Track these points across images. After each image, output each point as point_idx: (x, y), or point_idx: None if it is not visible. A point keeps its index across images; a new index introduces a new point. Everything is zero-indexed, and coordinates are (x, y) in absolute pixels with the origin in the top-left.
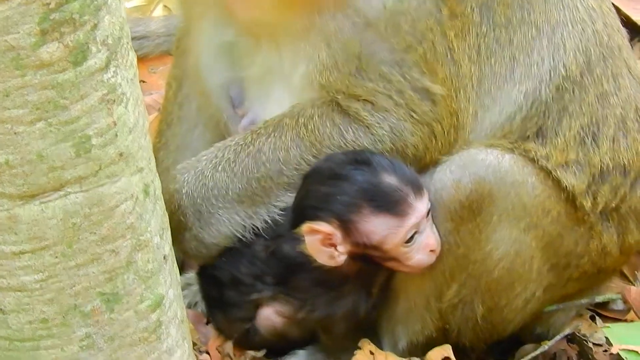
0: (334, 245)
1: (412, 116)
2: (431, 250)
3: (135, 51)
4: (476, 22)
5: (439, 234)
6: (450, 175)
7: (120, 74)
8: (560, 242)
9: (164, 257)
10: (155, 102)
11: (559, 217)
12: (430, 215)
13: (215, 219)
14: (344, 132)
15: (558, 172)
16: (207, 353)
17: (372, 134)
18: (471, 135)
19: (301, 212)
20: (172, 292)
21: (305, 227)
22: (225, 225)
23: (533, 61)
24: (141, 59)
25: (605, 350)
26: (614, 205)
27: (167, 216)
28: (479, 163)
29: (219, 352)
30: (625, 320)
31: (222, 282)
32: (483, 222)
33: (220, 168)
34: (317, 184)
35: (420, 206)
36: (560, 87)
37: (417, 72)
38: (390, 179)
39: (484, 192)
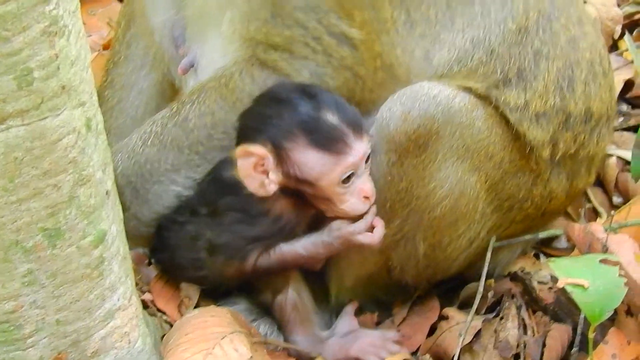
0: (265, 173)
1: (331, 62)
2: (365, 197)
3: None
4: None
5: (384, 165)
6: (400, 107)
7: (62, 6)
8: (503, 186)
9: (107, 193)
10: (94, 43)
11: (501, 163)
12: (369, 162)
13: (152, 194)
14: (264, 86)
15: (524, 125)
16: (149, 292)
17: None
18: (413, 74)
19: (240, 132)
20: (114, 227)
21: (240, 149)
22: (162, 198)
23: (476, 10)
24: (82, 1)
25: (550, 288)
26: (572, 151)
27: (109, 151)
28: (430, 99)
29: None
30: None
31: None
32: (428, 158)
33: (149, 143)
34: (260, 105)
35: (359, 147)
36: (521, 31)
37: (333, 17)
38: (331, 116)
39: (431, 129)
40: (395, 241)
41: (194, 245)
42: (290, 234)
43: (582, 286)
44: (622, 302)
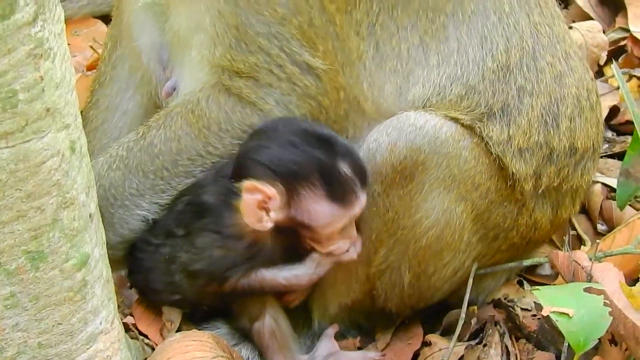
0: (267, 210)
1: (295, 90)
2: (352, 244)
3: None
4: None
5: (370, 195)
6: (386, 138)
7: (47, 28)
8: (489, 216)
9: (90, 216)
10: (78, 64)
11: (487, 193)
12: None
13: (118, 218)
14: (230, 113)
15: (507, 158)
16: (131, 315)
17: (259, 111)
18: (383, 109)
19: (246, 165)
20: (97, 251)
21: (249, 183)
22: (128, 222)
23: (451, 47)
24: (66, 22)
25: (534, 315)
26: (555, 184)
27: (93, 174)
28: (417, 130)
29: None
30: (553, 276)
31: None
32: (414, 189)
33: (114, 167)
34: (271, 142)
35: (363, 197)
36: (502, 69)
37: (295, 45)
38: (345, 166)
39: (417, 160)
40: (381, 270)
41: (169, 268)
42: (267, 260)
43: (566, 315)
44: (606, 331)
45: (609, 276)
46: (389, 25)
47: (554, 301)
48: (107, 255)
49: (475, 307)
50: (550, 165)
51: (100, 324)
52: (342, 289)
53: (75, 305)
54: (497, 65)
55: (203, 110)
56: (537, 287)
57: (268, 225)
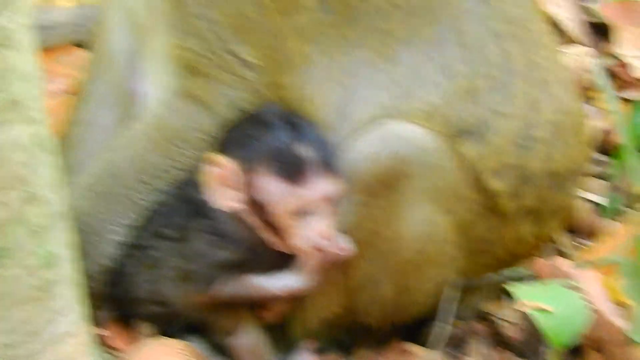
0: (229, 188)
1: (243, 84)
2: (321, 237)
3: (41, 41)
4: (309, 7)
5: (351, 205)
6: (370, 148)
7: (14, 19)
8: (473, 229)
9: (58, 214)
10: (59, 90)
11: (471, 205)
12: (336, 207)
13: (93, 247)
14: (190, 121)
15: (484, 173)
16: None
17: (213, 114)
18: (329, 118)
19: (220, 142)
20: (66, 252)
21: (214, 156)
22: (103, 249)
23: (403, 71)
24: (47, 50)
25: (516, 325)
26: (534, 206)
27: (63, 174)
28: (401, 140)
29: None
30: None
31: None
32: (397, 200)
33: (83, 195)
34: (245, 122)
35: (321, 186)
36: (465, 93)
37: (228, 34)
38: (303, 149)
39: (401, 170)
40: (362, 283)
41: (155, 273)
42: (259, 265)
43: (545, 311)
44: (589, 338)
45: (592, 281)
46: (336, 39)
47: (532, 298)
48: (76, 260)
49: (457, 321)
50: (529, 187)
51: (68, 325)
52: (322, 302)
53: (42, 306)
54: (461, 89)
55: (164, 122)
56: (513, 284)
57: (232, 204)
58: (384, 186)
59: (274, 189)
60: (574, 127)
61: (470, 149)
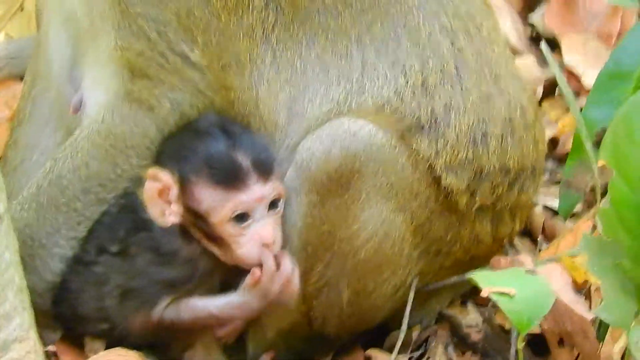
0: (169, 202)
1: (186, 86)
2: (265, 246)
3: None
4: (257, 6)
5: (305, 206)
6: (320, 145)
7: None
8: (430, 227)
9: None
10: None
11: (427, 202)
12: (277, 210)
13: (39, 261)
14: (134, 126)
15: (438, 169)
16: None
17: (157, 117)
18: (282, 118)
19: (158, 154)
20: (8, 255)
21: (151, 170)
22: (49, 263)
23: (355, 67)
24: None
25: (479, 331)
26: (489, 203)
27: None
28: (351, 136)
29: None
30: None
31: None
32: (351, 198)
33: (27, 207)
34: (183, 132)
35: (257, 189)
36: (417, 87)
37: (173, 33)
38: (238, 155)
39: (353, 167)
40: (318, 288)
41: (100, 290)
42: (204, 284)
43: (507, 295)
44: (554, 332)
45: (555, 274)
46: (285, 38)
47: (493, 283)
48: (20, 264)
49: (419, 326)
50: (483, 183)
51: (14, 330)
52: (278, 312)
53: None
54: (414, 84)
55: (108, 128)
56: (473, 272)
57: (171, 218)
58: (336, 184)
59: (211, 198)
60: (526, 121)
61: (424, 145)
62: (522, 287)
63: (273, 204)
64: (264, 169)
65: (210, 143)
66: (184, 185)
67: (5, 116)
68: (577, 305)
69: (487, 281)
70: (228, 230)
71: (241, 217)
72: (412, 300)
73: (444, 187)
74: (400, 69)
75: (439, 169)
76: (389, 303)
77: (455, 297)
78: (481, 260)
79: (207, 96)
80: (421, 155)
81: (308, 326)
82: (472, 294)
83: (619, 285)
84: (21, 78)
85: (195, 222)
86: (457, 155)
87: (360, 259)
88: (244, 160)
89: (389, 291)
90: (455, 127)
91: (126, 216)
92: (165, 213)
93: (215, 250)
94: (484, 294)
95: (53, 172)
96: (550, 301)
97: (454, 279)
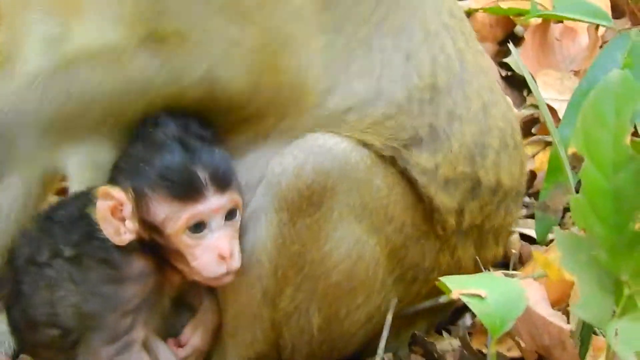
0: (122, 220)
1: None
2: (221, 257)
3: None
4: None
5: (275, 225)
6: (293, 161)
7: None
8: (405, 253)
9: None
10: None
11: (403, 226)
12: (235, 221)
13: None
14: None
15: (432, 189)
16: None
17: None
18: (317, 110)
19: (112, 170)
20: None
21: (102, 189)
22: None
23: (376, 58)
24: None
25: (454, 352)
26: (478, 222)
27: None
28: (326, 151)
29: None
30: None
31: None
32: (323, 217)
33: None
34: (138, 145)
35: (214, 200)
36: (427, 88)
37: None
38: (195, 167)
39: (326, 184)
40: (288, 314)
41: (52, 295)
42: (155, 305)
43: (479, 296)
44: (532, 351)
45: (532, 288)
46: (326, 23)
47: (464, 285)
48: None
49: (391, 354)
50: (474, 201)
51: None
52: (244, 339)
53: None
54: (425, 84)
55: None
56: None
57: (126, 237)
58: (308, 202)
59: (167, 210)
60: (515, 139)
61: (425, 158)
62: (494, 289)
63: (230, 214)
64: (222, 181)
65: (167, 156)
66: (139, 199)
67: None
68: (554, 317)
69: (457, 284)
70: (184, 241)
71: (197, 227)
72: (389, 324)
73: (435, 208)
74: (414, 64)
75: (433, 186)
76: (362, 331)
77: (431, 326)
78: None
79: (251, 72)
80: (420, 170)
81: (277, 355)
82: (448, 323)
83: (596, 280)
84: None
85: (151, 235)
86: (457, 168)
87: (332, 282)
88: (201, 172)
89: (362, 318)
90: (457, 136)
91: (82, 221)
92: (120, 231)
93: (174, 263)
94: (453, 296)
95: None
96: (524, 303)
97: (429, 302)
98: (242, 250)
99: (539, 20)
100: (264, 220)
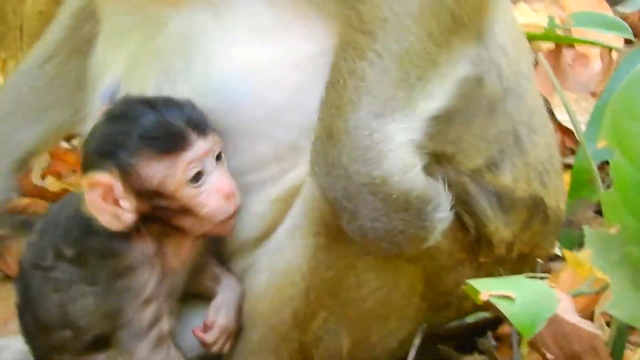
0: (117, 202)
1: None
2: (226, 196)
3: None
4: None
5: (310, 248)
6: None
7: None
8: (440, 280)
9: None
10: None
11: (439, 254)
12: (223, 160)
13: None
14: None
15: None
16: None
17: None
18: None
19: (84, 160)
20: None
21: (85, 180)
22: None
23: None
24: None
25: None
26: (526, 251)
27: None
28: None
29: None
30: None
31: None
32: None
33: None
34: (103, 126)
35: (200, 144)
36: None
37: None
38: (170, 119)
39: None
40: (318, 337)
41: (62, 295)
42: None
43: (508, 298)
44: (565, 354)
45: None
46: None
47: (494, 287)
48: None
49: None
50: (527, 231)
51: None
52: (269, 359)
53: None
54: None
55: None
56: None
57: (127, 217)
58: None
59: (159, 169)
60: (558, 167)
61: (500, 178)
62: (523, 290)
63: (218, 156)
64: (200, 125)
65: (140, 119)
66: (126, 173)
67: None
68: (584, 323)
69: (485, 287)
70: (188, 194)
71: (196, 178)
72: (416, 348)
73: (481, 238)
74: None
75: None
76: (390, 356)
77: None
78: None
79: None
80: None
81: None
82: (470, 343)
83: (628, 278)
84: None
85: (151, 204)
86: (519, 193)
87: (366, 308)
88: (179, 122)
89: (394, 344)
90: (528, 157)
91: (78, 219)
92: (118, 214)
93: (184, 224)
94: (482, 297)
95: None
96: (555, 303)
97: (455, 323)
98: (276, 268)
99: (552, 45)
100: (300, 241)
